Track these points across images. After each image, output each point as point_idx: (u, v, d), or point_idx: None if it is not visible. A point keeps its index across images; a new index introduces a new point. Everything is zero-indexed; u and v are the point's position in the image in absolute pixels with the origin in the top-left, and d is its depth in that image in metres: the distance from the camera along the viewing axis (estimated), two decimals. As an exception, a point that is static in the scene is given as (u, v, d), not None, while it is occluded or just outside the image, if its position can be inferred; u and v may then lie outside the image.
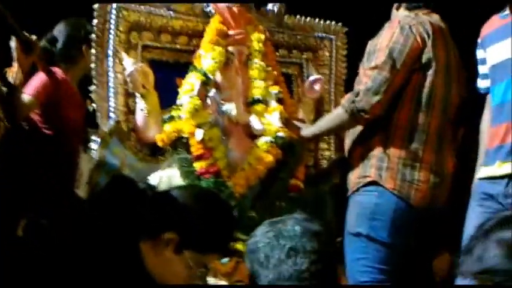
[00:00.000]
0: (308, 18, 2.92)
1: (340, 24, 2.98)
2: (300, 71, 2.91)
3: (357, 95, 2.33)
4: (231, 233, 1.62)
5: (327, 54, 2.94)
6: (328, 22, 2.96)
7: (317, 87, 2.77)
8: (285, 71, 2.89)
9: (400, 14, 2.50)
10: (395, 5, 2.52)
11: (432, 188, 2.32)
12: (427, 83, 2.31)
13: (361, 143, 2.38)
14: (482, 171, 2.22)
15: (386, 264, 2.29)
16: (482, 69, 2.33)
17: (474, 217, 2.17)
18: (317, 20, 2.94)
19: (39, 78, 2.40)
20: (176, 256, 1.42)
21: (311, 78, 2.78)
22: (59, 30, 2.58)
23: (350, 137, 2.49)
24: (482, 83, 2.33)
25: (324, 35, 2.93)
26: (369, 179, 2.33)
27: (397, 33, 2.32)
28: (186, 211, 1.45)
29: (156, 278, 1.43)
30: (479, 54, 2.32)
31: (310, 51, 2.93)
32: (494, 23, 2.26)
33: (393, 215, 2.29)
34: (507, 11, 2.20)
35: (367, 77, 2.35)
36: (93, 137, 2.50)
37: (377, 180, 2.31)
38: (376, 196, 2.31)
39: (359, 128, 2.40)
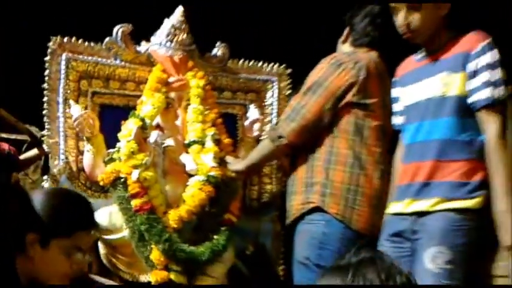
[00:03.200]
0: (251, 62, 3.13)
1: (283, 66, 3.17)
2: (244, 111, 3.11)
3: (277, 123, 2.53)
4: (83, 211, 1.78)
5: (270, 95, 3.14)
6: (271, 65, 3.15)
7: (256, 126, 2.98)
8: (230, 112, 3.12)
9: (341, 49, 2.70)
10: (341, 38, 2.72)
11: (373, 213, 2.46)
12: (361, 116, 2.48)
13: (303, 170, 2.55)
14: (392, 207, 2.37)
15: None
16: (396, 107, 2.48)
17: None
18: (260, 63, 3.14)
19: None
20: (46, 250, 1.59)
21: (250, 118, 3.00)
22: None
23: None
24: (396, 120, 2.49)
25: (266, 77, 3.13)
26: (312, 205, 2.48)
27: (325, 68, 2.52)
28: (35, 209, 1.60)
29: (45, 277, 1.61)
30: (394, 92, 2.48)
31: (254, 93, 3.14)
32: (410, 65, 2.42)
33: (340, 244, 2.43)
34: (422, 54, 2.37)
35: (289, 107, 2.56)
36: (45, 177, 2.75)
37: (321, 205, 2.46)
38: (324, 225, 2.46)
39: (302, 158, 2.58)
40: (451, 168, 2.17)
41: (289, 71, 3.18)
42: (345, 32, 2.73)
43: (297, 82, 3.07)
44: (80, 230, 1.74)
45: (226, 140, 2.90)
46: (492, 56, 2.15)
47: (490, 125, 2.13)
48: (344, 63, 2.50)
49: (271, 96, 3.15)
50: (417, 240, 2.20)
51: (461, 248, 2.13)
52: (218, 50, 3.07)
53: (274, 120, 3.09)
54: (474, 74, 2.15)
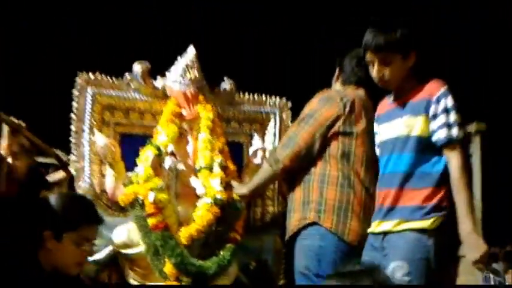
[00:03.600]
0: (256, 95, 3.49)
1: (284, 98, 3.54)
2: (249, 140, 3.47)
3: (275, 149, 2.88)
4: (86, 209, 2.25)
5: (273, 125, 3.50)
6: (273, 98, 3.52)
7: (259, 154, 3.33)
8: (236, 140, 3.48)
9: (334, 87, 3.05)
10: (334, 77, 3.09)
11: (361, 226, 2.78)
12: (348, 143, 2.84)
13: (300, 191, 2.88)
14: (371, 226, 2.71)
15: None
16: (376, 139, 2.83)
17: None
18: (264, 96, 3.51)
19: None
20: (60, 243, 2.06)
21: (254, 147, 3.35)
22: None
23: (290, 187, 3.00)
24: (377, 151, 2.82)
25: (269, 109, 3.49)
26: (309, 221, 2.81)
27: (316, 102, 2.90)
28: (48, 211, 2.10)
29: (62, 265, 2.08)
30: (375, 127, 2.83)
31: (258, 123, 3.50)
32: (385, 106, 2.78)
33: (335, 255, 2.75)
34: (392, 97, 2.71)
35: (286, 135, 2.92)
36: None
37: (316, 221, 2.79)
38: (319, 239, 2.78)
39: (299, 180, 2.90)
40: (412, 195, 2.52)
41: (290, 103, 3.54)
42: (336, 72, 3.09)
43: (297, 114, 3.42)
44: (85, 224, 2.19)
45: (232, 167, 3.25)
46: (448, 101, 2.51)
47: (452, 160, 2.49)
48: (332, 98, 2.87)
49: (274, 127, 3.49)
50: (385, 255, 2.54)
51: (418, 262, 2.46)
52: (226, 85, 3.43)
53: (277, 148, 3.41)
54: (434, 117, 2.51)
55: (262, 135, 3.47)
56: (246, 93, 3.49)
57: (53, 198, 2.20)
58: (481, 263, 2.39)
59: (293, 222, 2.88)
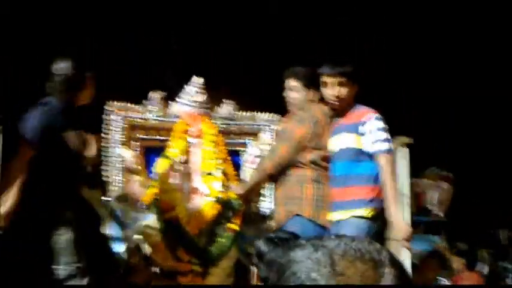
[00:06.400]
0: (252, 113, 4.34)
1: (276, 114, 4.36)
2: (245, 148, 4.33)
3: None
4: None
5: (265, 136, 4.33)
6: (265, 114, 4.36)
7: (257, 160, 4.15)
8: (236, 149, 4.32)
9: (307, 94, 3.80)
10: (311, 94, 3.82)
11: (327, 214, 3.44)
12: (316, 153, 3.52)
13: (282, 190, 3.59)
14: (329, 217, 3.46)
15: None
16: None
17: None
18: (258, 113, 4.35)
19: None
20: None
21: (252, 154, 4.19)
22: None
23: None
24: None
25: (262, 123, 4.34)
26: (294, 214, 3.50)
27: (292, 122, 3.64)
28: None
29: None
30: None
31: (254, 135, 4.34)
32: (333, 125, 3.56)
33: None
34: (337, 118, 3.52)
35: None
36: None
37: (299, 213, 3.50)
38: (300, 228, 3.38)
39: (279, 182, 3.63)
40: (354, 191, 3.33)
41: (279, 117, 4.34)
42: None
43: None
44: None
45: (231, 172, 4.08)
46: (380, 123, 3.32)
47: (384, 166, 3.28)
48: (304, 119, 3.61)
49: (270, 136, 4.33)
50: None
51: None
52: (227, 106, 4.27)
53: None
54: (369, 133, 3.30)
55: (257, 144, 4.30)
56: (243, 111, 4.32)
57: None
58: (406, 241, 3.19)
59: (280, 217, 3.59)
